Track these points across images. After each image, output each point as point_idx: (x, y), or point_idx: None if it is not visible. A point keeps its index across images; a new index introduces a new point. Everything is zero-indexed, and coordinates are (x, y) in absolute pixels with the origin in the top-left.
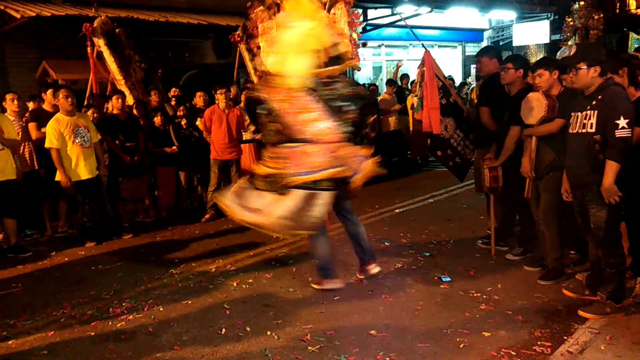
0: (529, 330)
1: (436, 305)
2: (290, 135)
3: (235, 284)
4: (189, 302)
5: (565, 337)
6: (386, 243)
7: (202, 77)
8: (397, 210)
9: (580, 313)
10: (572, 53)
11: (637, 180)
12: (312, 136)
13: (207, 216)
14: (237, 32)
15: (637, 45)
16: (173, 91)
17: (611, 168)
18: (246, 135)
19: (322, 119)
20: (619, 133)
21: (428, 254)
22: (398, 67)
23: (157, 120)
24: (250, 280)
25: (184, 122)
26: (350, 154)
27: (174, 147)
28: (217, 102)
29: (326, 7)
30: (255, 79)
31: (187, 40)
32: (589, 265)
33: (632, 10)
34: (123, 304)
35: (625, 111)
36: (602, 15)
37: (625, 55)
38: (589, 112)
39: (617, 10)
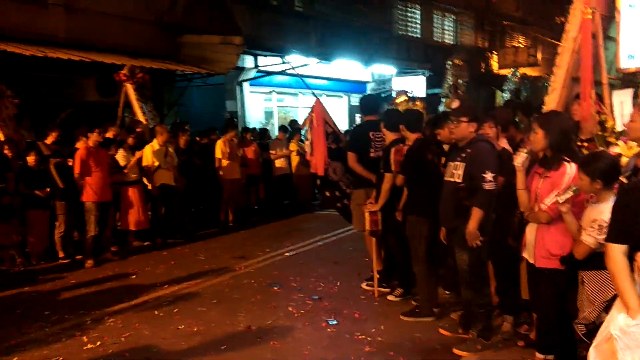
0: None
1: (323, 349)
2: None
3: (113, 337)
4: (61, 358)
5: None
6: (276, 287)
7: (82, 115)
8: (287, 254)
9: (455, 351)
10: (455, 107)
11: (501, 225)
12: None
13: (90, 262)
14: (123, 71)
15: (503, 102)
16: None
17: (476, 215)
18: (130, 177)
19: None
20: (487, 185)
21: (316, 297)
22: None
23: (31, 159)
24: (131, 333)
25: (70, 161)
26: None
27: (47, 189)
28: (89, 141)
29: None
30: (142, 118)
31: (67, 76)
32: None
33: (495, 70)
34: None
35: (490, 165)
36: (467, 74)
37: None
38: (458, 162)
39: (483, 70)
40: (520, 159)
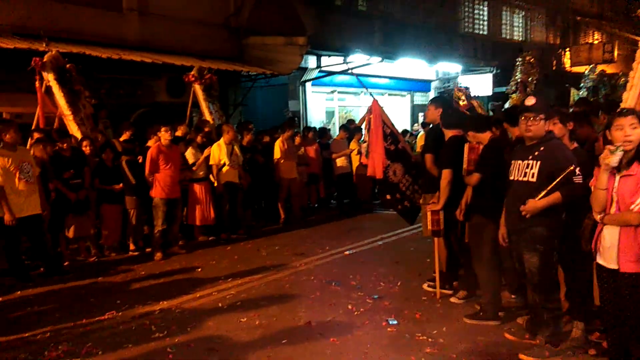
0: None
1: (383, 348)
2: None
3: (179, 327)
4: (130, 345)
5: None
6: (335, 285)
7: (153, 115)
8: (347, 252)
9: (521, 357)
10: (533, 104)
11: (571, 229)
12: None
13: (159, 255)
14: (192, 73)
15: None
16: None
17: (554, 198)
18: (198, 174)
19: None
20: (576, 179)
21: (376, 296)
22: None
23: (106, 156)
24: (195, 324)
25: (140, 158)
26: None
27: (121, 185)
28: (161, 139)
29: None
30: (209, 118)
31: (139, 77)
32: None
33: (567, 68)
34: (59, 347)
35: (574, 160)
36: (537, 71)
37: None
38: (530, 161)
39: (554, 67)
40: (616, 157)
